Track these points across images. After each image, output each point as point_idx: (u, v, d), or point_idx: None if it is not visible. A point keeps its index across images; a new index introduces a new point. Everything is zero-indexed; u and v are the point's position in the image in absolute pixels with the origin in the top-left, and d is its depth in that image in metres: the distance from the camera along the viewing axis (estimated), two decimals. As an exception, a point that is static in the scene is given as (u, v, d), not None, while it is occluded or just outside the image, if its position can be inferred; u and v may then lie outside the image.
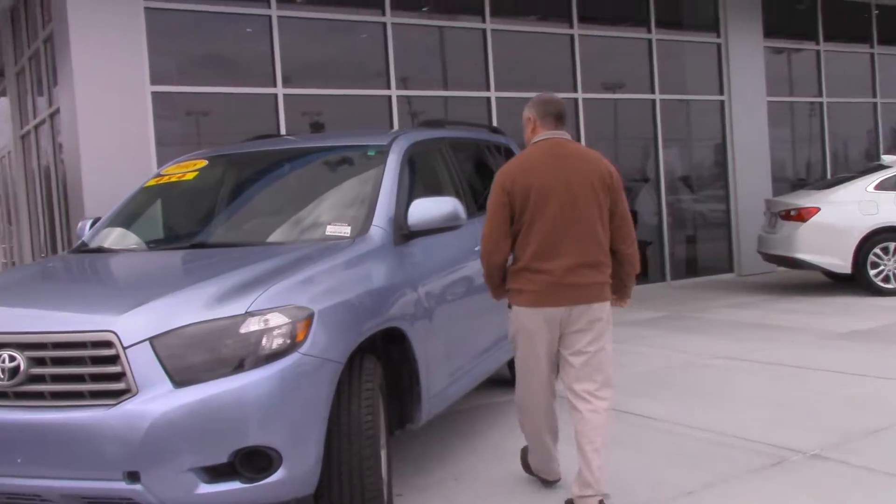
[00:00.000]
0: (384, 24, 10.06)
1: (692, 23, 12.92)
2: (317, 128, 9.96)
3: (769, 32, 13.18)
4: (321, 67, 9.98)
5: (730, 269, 13.00)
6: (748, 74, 12.92)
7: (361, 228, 4.16)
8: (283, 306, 3.33)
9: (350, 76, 10.11)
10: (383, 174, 4.45)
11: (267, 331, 3.26)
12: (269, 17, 9.31)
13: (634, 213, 12.65)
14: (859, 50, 14.89)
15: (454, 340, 4.61)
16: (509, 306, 3.95)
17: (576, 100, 11.47)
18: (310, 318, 3.36)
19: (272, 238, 4.33)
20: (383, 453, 3.74)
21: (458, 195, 5.08)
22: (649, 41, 12.24)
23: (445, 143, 5.39)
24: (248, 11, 9.36)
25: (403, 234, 4.29)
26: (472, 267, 4.79)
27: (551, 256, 3.73)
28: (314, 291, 3.50)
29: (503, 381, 6.23)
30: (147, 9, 8.58)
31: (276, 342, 3.26)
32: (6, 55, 11.82)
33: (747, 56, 12.91)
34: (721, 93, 12.89)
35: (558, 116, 3.88)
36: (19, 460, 3.15)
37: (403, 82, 10.20)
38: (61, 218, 9.77)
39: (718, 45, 12.87)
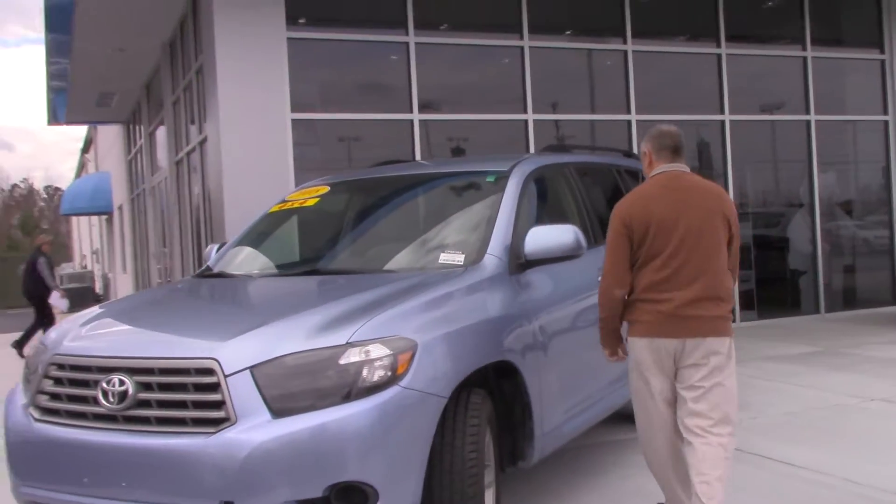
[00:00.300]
0: (522, 48, 9.97)
1: (852, 39, 12.18)
2: (455, 153, 9.96)
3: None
4: (457, 92, 9.99)
5: (892, 302, 12.07)
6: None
7: (475, 257, 4.04)
8: (386, 337, 3.24)
9: (487, 101, 10.08)
10: (501, 201, 4.32)
11: (367, 362, 3.17)
12: (407, 43, 9.40)
13: (786, 241, 12.12)
14: None
15: (572, 375, 4.41)
16: (624, 340, 3.83)
17: (722, 122, 10.99)
18: (412, 350, 3.26)
19: (386, 266, 4.28)
20: (490, 492, 3.58)
21: (581, 223, 4.90)
22: (804, 59, 11.59)
23: (571, 168, 5.20)
24: (386, 39, 9.49)
25: (520, 262, 4.13)
26: (593, 297, 4.59)
27: (670, 288, 3.61)
28: (420, 322, 3.40)
29: (630, 416, 5.93)
30: (290, 39, 8.83)
31: (377, 374, 3.17)
32: (166, 85, 12.47)
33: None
34: (885, 112, 12.05)
35: (675, 149, 3.82)
36: (124, 484, 3.19)
37: (540, 106, 10.06)
38: (206, 241, 10.17)
39: (882, 62, 12.05)
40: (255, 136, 8.56)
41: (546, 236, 4.09)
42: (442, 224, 4.55)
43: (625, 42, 10.53)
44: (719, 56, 11.04)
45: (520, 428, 3.96)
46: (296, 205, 4.96)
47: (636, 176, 6.45)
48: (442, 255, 4.11)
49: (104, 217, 25.23)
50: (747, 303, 10.97)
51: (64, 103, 16.69)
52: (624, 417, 5.90)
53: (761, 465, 4.96)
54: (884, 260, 12.16)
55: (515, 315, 3.92)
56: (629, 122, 10.48)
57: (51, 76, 14.69)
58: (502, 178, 4.50)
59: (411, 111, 9.44)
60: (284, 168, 8.69)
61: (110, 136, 21.94)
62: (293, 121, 8.86)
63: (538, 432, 3.96)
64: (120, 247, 20.96)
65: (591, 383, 4.69)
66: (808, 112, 11.56)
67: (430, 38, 9.58)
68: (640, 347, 3.70)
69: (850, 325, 10.80)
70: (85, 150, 33.13)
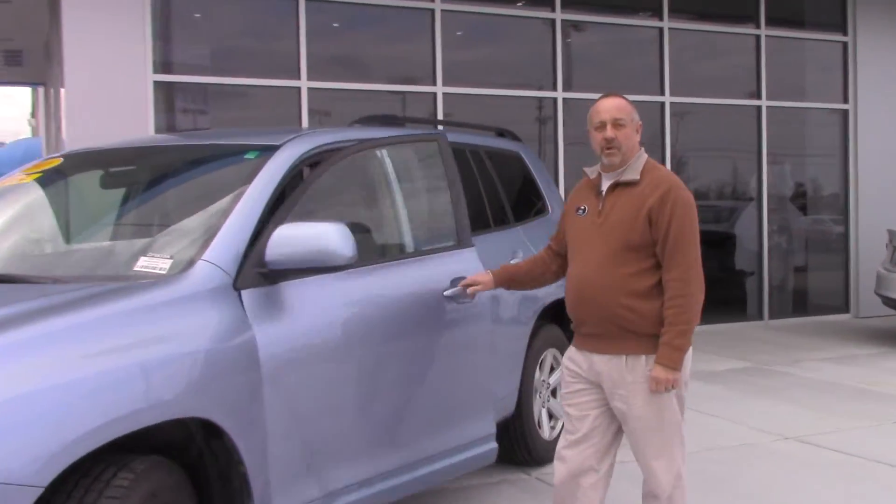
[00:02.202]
0: (433, 11, 8.77)
1: (813, 18, 11.03)
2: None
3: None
4: (353, 59, 8.81)
5: (845, 310, 11.00)
6: (881, 80, 10.88)
7: (186, 264, 2.88)
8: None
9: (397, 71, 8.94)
10: (249, 187, 3.15)
11: None
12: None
13: (733, 238, 11.02)
14: None
15: (344, 437, 3.25)
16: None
17: (662, 104, 9.84)
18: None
19: (59, 271, 3.11)
20: None
21: (389, 223, 3.73)
22: (757, 38, 10.44)
23: (391, 147, 4.00)
24: None
25: (263, 273, 2.98)
26: (396, 320, 3.47)
27: None
28: (13, 369, 2.25)
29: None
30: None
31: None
32: (54, 42, 11.20)
33: (881, 59, 10.89)
34: (845, 101, 10.93)
35: None
36: None
37: (450, 79, 8.86)
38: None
39: (844, 45, 10.90)
40: (105, 102, 7.33)
41: (296, 238, 2.95)
42: (169, 215, 3.38)
43: (553, 11, 9.34)
44: (661, 30, 9.87)
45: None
46: (13, 181, 3.76)
47: (510, 161, 5.29)
48: (143, 258, 2.94)
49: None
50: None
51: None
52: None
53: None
54: (838, 264, 11.08)
55: (231, 349, 2.77)
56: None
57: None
58: (265, 157, 3.33)
59: (299, 77, 8.24)
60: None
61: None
62: (156, 83, 7.66)
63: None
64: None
65: (390, 451, 3.51)
66: (759, 97, 10.43)
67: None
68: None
69: (794, 335, 9.72)
70: (33, 114, 31.76)
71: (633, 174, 3.31)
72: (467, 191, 4.24)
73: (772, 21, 10.44)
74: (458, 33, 9.20)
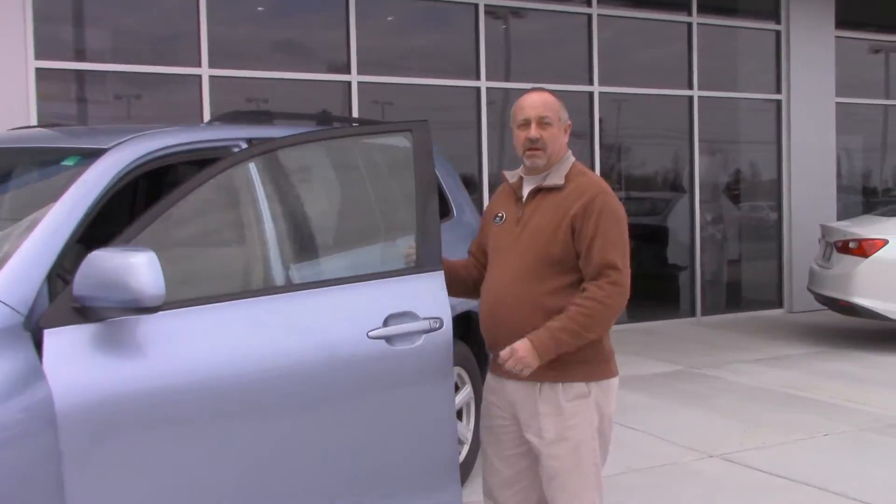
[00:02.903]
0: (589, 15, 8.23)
1: (746, 6, 10.72)
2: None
3: (843, 21, 10.84)
4: (259, 46, 8.22)
5: (778, 304, 10.76)
6: (813, 70, 10.62)
7: (-34, 299, 2.33)
8: None
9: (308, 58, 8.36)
10: (58, 201, 2.60)
11: None
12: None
13: (665, 231, 10.69)
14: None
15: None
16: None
17: (591, 93, 9.43)
18: None
19: None
20: None
21: (253, 242, 3.10)
22: (689, 25, 10.09)
23: (262, 149, 3.41)
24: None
25: (76, 308, 2.44)
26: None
27: None
28: None
29: None
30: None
31: None
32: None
33: (814, 48, 10.62)
34: (778, 91, 10.65)
35: None
36: None
37: (366, 67, 8.32)
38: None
39: (777, 34, 10.62)
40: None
41: (102, 268, 2.40)
42: None
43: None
44: (589, 17, 9.45)
45: None
46: None
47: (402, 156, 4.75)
48: (-89, 294, 2.39)
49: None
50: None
51: None
52: None
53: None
54: (771, 257, 10.82)
55: (21, 410, 2.22)
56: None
57: None
58: (86, 164, 2.78)
59: (200, 65, 7.63)
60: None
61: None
62: (38, 70, 7.00)
63: None
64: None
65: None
66: (691, 87, 10.09)
67: None
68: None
69: (726, 332, 9.42)
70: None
71: (556, 179, 2.92)
72: (353, 194, 3.69)
73: (704, 8, 10.10)
74: (389, 19, 8.70)
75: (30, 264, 2.43)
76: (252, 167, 3.03)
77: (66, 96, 7.45)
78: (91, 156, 2.82)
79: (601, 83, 9.47)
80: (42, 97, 7.03)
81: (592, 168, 9.04)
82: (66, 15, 7.42)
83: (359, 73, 8.23)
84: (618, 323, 2.93)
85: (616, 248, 2.82)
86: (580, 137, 9.18)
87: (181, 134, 3.15)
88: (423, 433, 3.03)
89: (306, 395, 2.76)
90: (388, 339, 2.93)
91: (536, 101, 2.95)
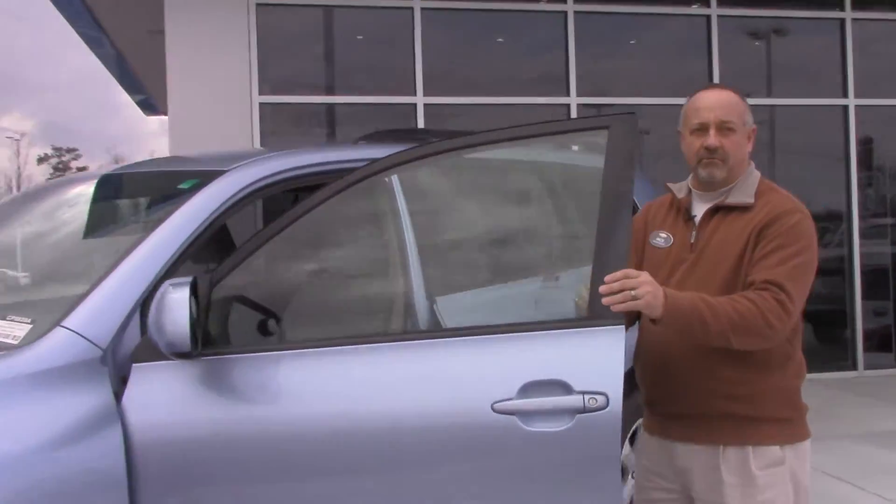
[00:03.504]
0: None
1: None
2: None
3: None
4: (467, 70, 8.01)
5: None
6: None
7: (45, 329, 2.19)
8: None
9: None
10: (161, 225, 2.43)
11: None
12: (412, 8, 7.55)
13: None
14: None
15: None
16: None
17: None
18: None
19: None
20: None
21: (394, 273, 2.62)
22: (841, 22, 8.42)
23: (405, 168, 2.87)
24: (389, 3, 7.63)
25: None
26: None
27: None
28: None
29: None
30: (258, 4, 7.21)
31: None
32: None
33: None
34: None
35: None
36: None
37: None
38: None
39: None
40: (206, 125, 6.97)
41: (164, 307, 2.09)
42: (72, 263, 2.69)
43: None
44: (711, 17, 8.38)
45: None
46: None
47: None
48: (2, 322, 2.29)
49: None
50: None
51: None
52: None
53: None
54: None
55: (64, 458, 2.00)
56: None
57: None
58: (199, 186, 2.60)
59: (415, 94, 7.57)
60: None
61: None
62: (261, 105, 7.25)
63: None
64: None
65: None
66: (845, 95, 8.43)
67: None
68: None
69: None
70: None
71: (744, 196, 2.38)
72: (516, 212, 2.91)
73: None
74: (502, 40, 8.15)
75: (115, 295, 2.26)
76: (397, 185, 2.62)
77: (284, 128, 7.66)
78: (210, 178, 2.65)
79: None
80: (265, 131, 7.28)
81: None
82: (285, 53, 7.63)
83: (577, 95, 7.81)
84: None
85: (795, 279, 2.22)
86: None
87: (310, 154, 2.89)
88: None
89: (397, 466, 2.20)
90: (521, 414, 2.20)
91: (715, 102, 2.38)
